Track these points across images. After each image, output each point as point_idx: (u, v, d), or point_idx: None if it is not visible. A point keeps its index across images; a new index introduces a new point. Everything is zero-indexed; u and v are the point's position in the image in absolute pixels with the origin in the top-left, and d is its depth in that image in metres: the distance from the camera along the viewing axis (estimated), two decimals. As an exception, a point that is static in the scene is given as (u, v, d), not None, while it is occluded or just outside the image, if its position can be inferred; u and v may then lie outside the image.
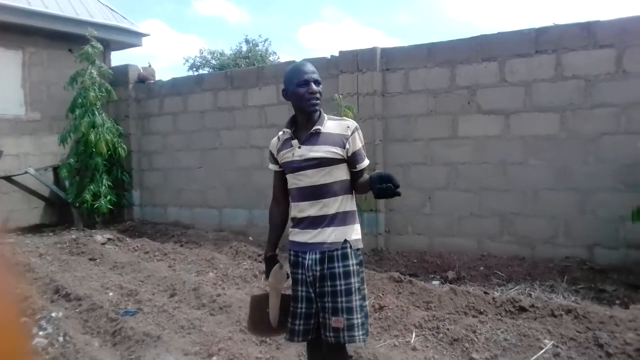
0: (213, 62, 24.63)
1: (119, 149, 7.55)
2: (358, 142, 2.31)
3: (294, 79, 2.25)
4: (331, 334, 2.21)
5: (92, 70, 7.47)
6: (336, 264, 2.22)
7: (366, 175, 2.31)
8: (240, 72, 7.65)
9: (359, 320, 2.22)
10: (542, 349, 3.27)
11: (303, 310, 2.27)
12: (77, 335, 3.63)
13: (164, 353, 3.26)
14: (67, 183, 7.84)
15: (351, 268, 2.23)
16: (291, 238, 2.36)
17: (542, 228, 5.19)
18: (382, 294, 4.21)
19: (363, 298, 2.28)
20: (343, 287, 2.21)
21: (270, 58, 24.76)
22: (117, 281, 4.90)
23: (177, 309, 4.13)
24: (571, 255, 5.01)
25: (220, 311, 4.06)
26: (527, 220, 5.25)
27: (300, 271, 2.28)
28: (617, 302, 4.01)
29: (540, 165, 5.20)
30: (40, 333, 3.63)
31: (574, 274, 4.65)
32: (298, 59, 6.74)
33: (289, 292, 2.41)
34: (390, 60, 5.97)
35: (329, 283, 2.21)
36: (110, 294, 4.56)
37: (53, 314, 3.89)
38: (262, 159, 6.94)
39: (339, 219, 2.26)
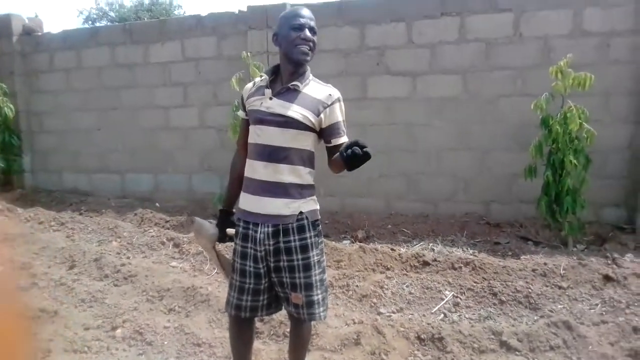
0: (112, 14, 22.84)
1: (5, 108, 6.78)
2: (337, 115, 2.10)
3: (289, 22, 2.04)
4: (292, 309, 2.12)
5: (-35, 19, 6.58)
6: (292, 237, 2.05)
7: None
8: (140, 25, 7.11)
9: (320, 296, 2.11)
10: (443, 299, 3.47)
11: (251, 286, 2.09)
12: (-40, 315, 3.29)
13: (62, 329, 3.06)
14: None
15: (308, 241, 2.07)
16: (241, 205, 2.15)
17: (444, 187, 5.44)
18: (294, 256, 4.22)
19: (323, 271, 2.15)
20: (301, 262, 2.06)
21: (176, 12, 23.42)
22: (7, 254, 4.47)
23: (76, 281, 3.87)
24: (470, 211, 5.32)
25: (125, 281, 3.87)
26: (431, 179, 5.48)
27: (249, 245, 2.08)
28: (510, 253, 4.33)
29: (443, 127, 5.40)
30: None
31: (473, 229, 4.96)
32: (204, 13, 6.37)
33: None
34: (300, 18, 5.82)
35: (284, 257, 2.05)
36: (0, 268, 4.17)
37: None
38: (167, 119, 6.59)
39: (294, 190, 2.06)
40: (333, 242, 4.56)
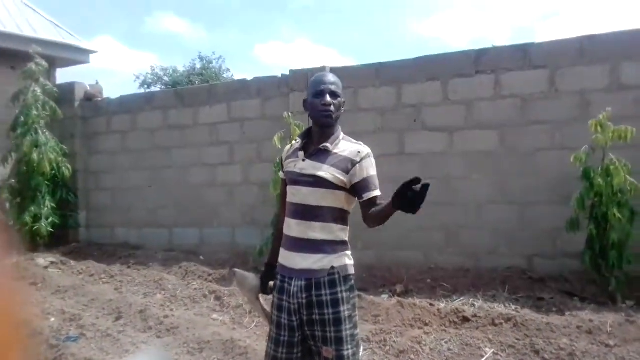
0: (165, 79, 24.36)
1: (63, 168, 7.32)
2: (367, 170, 2.16)
3: (312, 89, 2.20)
4: None
5: (36, 88, 7.25)
6: (323, 292, 2.09)
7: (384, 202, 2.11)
8: (190, 90, 7.63)
9: (350, 351, 2.11)
10: (483, 357, 3.39)
11: (285, 339, 2.16)
12: (15, 363, 3.48)
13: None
14: (7, 205, 7.52)
15: (339, 295, 2.10)
16: (279, 260, 2.27)
17: (485, 240, 5.38)
18: (332, 310, 4.24)
19: (354, 326, 2.16)
20: (332, 316, 2.09)
21: (225, 75, 24.71)
22: (59, 306, 4.73)
23: (122, 332, 4.03)
24: (512, 265, 5.21)
25: (168, 333, 4.00)
26: (471, 232, 5.45)
27: (285, 298, 2.16)
28: (554, 309, 4.20)
29: (482, 180, 5.42)
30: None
31: (515, 283, 4.84)
32: (250, 77, 6.79)
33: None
34: (339, 79, 6.09)
35: (316, 311, 2.09)
36: (52, 319, 4.40)
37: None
38: (213, 177, 6.91)
39: (326, 246, 2.13)
40: (371, 297, 4.56)
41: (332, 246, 2.14)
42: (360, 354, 2.22)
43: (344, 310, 2.10)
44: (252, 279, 2.38)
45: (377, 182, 2.19)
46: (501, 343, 3.51)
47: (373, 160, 2.21)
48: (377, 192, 2.17)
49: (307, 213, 2.14)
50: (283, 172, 2.32)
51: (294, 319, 2.14)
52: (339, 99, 2.19)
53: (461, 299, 4.59)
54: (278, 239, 2.34)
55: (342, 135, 2.24)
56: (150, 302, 4.70)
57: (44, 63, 7.38)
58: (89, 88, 8.05)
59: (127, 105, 7.62)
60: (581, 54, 5.05)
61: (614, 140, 4.29)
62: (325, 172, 2.12)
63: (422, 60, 5.73)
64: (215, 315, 4.40)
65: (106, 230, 7.82)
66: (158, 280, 5.37)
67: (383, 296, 4.82)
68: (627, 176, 4.21)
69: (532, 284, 4.81)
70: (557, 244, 5.04)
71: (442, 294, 4.77)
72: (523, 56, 5.26)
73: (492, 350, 3.45)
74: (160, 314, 4.30)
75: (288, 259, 2.19)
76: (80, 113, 7.95)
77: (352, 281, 2.18)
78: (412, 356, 3.48)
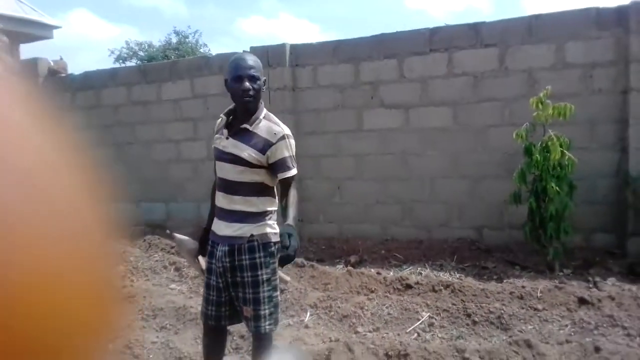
0: (141, 53, 23.96)
1: (29, 144, 7.31)
2: (283, 151, 2.29)
3: (231, 73, 2.27)
4: (248, 323, 2.37)
5: (-3, 63, 7.18)
6: (243, 257, 2.29)
7: (292, 199, 2.30)
8: (153, 66, 7.64)
9: (267, 311, 2.32)
10: (419, 320, 3.63)
11: (214, 298, 2.40)
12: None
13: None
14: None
15: (257, 260, 2.30)
16: (212, 227, 2.47)
17: (438, 213, 5.62)
18: (285, 279, 4.44)
19: (273, 289, 2.36)
20: (250, 279, 2.29)
21: (202, 50, 24.42)
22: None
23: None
24: (463, 236, 5.47)
25: (124, 301, 4.15)
26: (425, 206, 5.67)
27: (213, 261, 2.39)
28: (495, 277, 4.46)
29: (436, 155, 5.62)
30: None
31: (463, 254, 5.10)
32: (228, 51, 6.81)
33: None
34: (299, 56, 6.20)
35: (238, 274, 2.31)
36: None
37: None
38: (178, 152, 7.00)
39: (248, 217, 2.31)
40: (323, 266, 4.77)
41: (253, 217, 2.32)
42: (279, 314, 2.43)
43: (262, 274, 2.31)
44: (190, 242, 2.60)
45: (291, 162, 2.33)
46: (437, 307, 3.75)
47: (290, 142, 2.33)
48: (290, 173, 2.33)
49: (229, 187, 2.33)
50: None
51: (220, 280, 2.37)
52: (258, 82, 2.27)
53: (410, 268, 4.83)
54: (213, 207, 2.51)
55: (263, 114, 2.34)
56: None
57: (4, 38, 7.28)
58: (52, 64, 7.99)
59: (91, 81, 7.60)
60: (529, 33, 5.22)
61: (554, 117, 4.49)
62: (244, 151, 2.28)
63: (379, 38, 5.84)
64: (173, 285, 4.57)
65: (73, 206, 7.86)
66: (121, 253, 5.49)
67: (338, 266, 5.03)
68: (566, 151, 4.42)
69: (479, 254, 5.07)
70: (504, 217, 5.29)
71: (394, 263, 5.00)
72: (475, 35, 5.41)
73: (428, 314, 3.69)
74: (118, 284, 4.44)
75: (216, 226, 2.40)
76: (44, 89, 7.91)
77: (273, 248, 2.34)
78: (354, 320, 3.70)
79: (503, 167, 5.30)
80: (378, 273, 4.45)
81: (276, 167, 2.30)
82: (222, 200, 2.36)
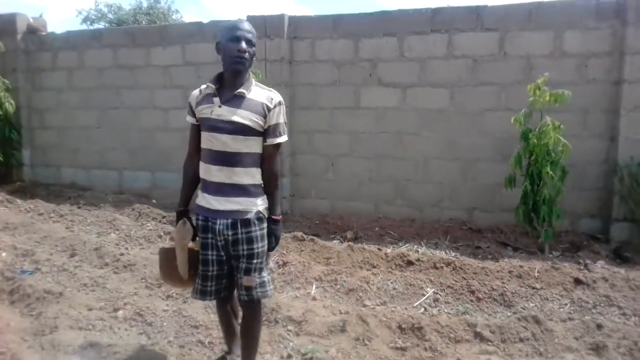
0: (110, 16, 23.03)
1: (6, 103, 6.96)
2: (279, 117, 2.30)
3: (228, 33, 2.20)
4: (244, 292, 2.35)
5: (-27, 16, 6.78)
6: (253, 228, 2.30)
7: (277, 181, 2.36)
8: (143, 29, 7.36)
9: (269, 277, 2.42)
10: (424, 295, 3.72)
11: (215, 272, 2.37)
12: (-30, 295, 3.48)
13: (66, 308, 3.26)
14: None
15: (260, 232, 2.33)
16: (199, 202, 2.37)
17: (430, 193, 5.72)
18: (286, 252, 4.45)
19: (268, 258, 2.47)
20: (260, 250, 2.33)
21: (174, 17, 23.68)
22: (9, 242, 4.65)
23: (78, 267, 4.07)
24: (454, 217, 5.60)
25: (125, 269, 4.08)
26: (418, 185, 5.76)
27: (210, 236, 2.32)
28: (489, 257, 4.61)
29: (431, 136, 5.69)
30: None
31: (456, 234, 5.23)
32: (205, 20, 6.64)
33: (195, 247, 2.45)
34: (297, 29, 6.11)
35: (245, 247, 2.29)
36: (3, 254, 4.35)
37: (-61, 274, 3.68)
38: (166, 120, 6.82)
39: (250, 190, 2.30)
40: (323, 241, 4.80)
41: (255, 188, 2.33)
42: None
43: (264, 245, 2.38)
44: (192, 229, 2.41)
45: (283, 129, 2.35)
46: (441, 284, 3.85)
47: (284, 108, 2.36)
48: (282, 139, 2.34)
49: (227, 159, 2.25)
50: (195, 117, 2.35)
51: (222, 253, 2.36)
52: (253, 48, 2.25)
53: (406, 245, 4.92)
54: (190, 186, 2.46)
55: (253, 82, 2.33)
56: (104, 241, 4.73)
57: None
58: (31, 20, 7.59)
59: (74, 41, 7.26)
60: (529, 20, 5.31)
61: (550, 104, 4.61)
62: (244, 118, 2.22)
63: (379, 15, 5.82)
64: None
65: (52, 170, 7.58)
66: (111, 221, 5.36)
67: (334, 242, 5.07)
68: (560, 137, 4.56)
69: (471, 234, 5.21)
70: (496, 199, 5.45)
71: (389, 241, 5.08)
72: (476, 18, 5.46)
73: (433, 290, 3.79)
74: (116, 252, 4.35)
75: (212, 202, 2.31)
76: (23, 46, 7.50)
77: (266, 221, 2.41)
78: (361, 294, 3.76)
79: (497, 151, 5.43)
80: (379, 249, 4.52)
81: (269, 131, 2.29)
82: (218, 174, 2.27)
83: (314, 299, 3.69)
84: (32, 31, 7.52)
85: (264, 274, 2.39)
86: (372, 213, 5.89)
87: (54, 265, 4.09)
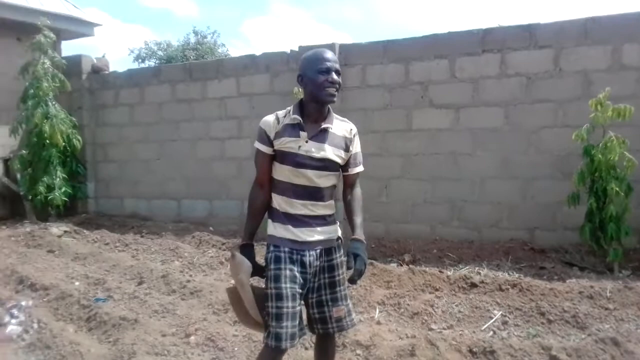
0: (160, 53, 24.17)
1: (74, 140, 7.42)
2: (357, 146, 2.31)
3: (315, 65, 2.13)
4: (334, 324, 2.27)
5: (45, 60, 7.30)
6: (334, 256, 2.27)
7: (360, 204, 2.33)
8: (199, 64, 7.71)
9: (351, 305, 2.38)
10: (492, 318, 3.64)
11: (295, 309, 2.13)
12: (51, 322, 3.68)
13: (142, 334, 3.38)
14: (18, 175, 7.62)
15: (341, 259, 2.31)
16: (280, 234, 2.21)
17: (488, 213, 5.63)
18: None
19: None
20: (341, 277, 2.28)
21: (219, 50, 24.57)
22: (81, 271, 4.91)
23: (148, 294, 4.23)
24: (514, 237, 5.47)
25: (192, 296, 4.20)
26: (475, 206, 5.68)
27: (296, 268, 2.16)
28: (555, 277, 4.46)
29: (486, 156, 5.63)
30: (13, 321, 3.65)
31: (517, 254, 5.10)
32: (257, 52, 6.90)
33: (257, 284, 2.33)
34: (348, 56, 6.24)
35: (327, 275, 2.25)
36: (77, 283, 4.58)
37: (23, 303, 3.90)
38: (222, 150, 7.06)
39: (329, 220, 2.28)
40: (382, 264, 4.79)
41: (332, 218, 2.32)
42: None
43: (344, 271, 2.31)
44: (247, 261, 2.22)
45: (361, 157, 2.36)
46: (508, 306, 3.76)
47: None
48: (362, 168, 2.36)
49: (312, 194, 2.22)
50: (270, 147, 2.20)
51: (306, 287, 2.22)
52: (340, 77, 2.20)
53: (467, 267, 4.84)
54: (257, 218, 2.28)
55: (332, 112, 2.28)
56: (169, 268, 4.89)
57: (51, 35, 7.40)
58: (95, 61, 8.09)
59: (135, 78, 7.69)
60: (585, 35, 5.23)
61: (613, 119, 4.50)
62: (331, 154, 2.19)
63: (430, 38, 5.87)
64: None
65: (114, 202, 7.96)
66: (174, 249, 5.56)
67: (392, 265, 5.06)
68: (625, 152, 4.43)
69: (533, 255, 5.07)
70: (557, 218, 5.29)
71: (449, 263, 5.01)
72: (529, 36, 5.42)
73: (500, 312, 3.70)
74: (182, 279, 4.50)
75: (297, 233, 2.20)
76: (88, 85, 8.01)
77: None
78: (426, 317, 3.72)
79: (556, 168, 5.31)
80: (440, 271, 4.47)
81: (350, 161, 2.29)
82: (303, 208, 2.21)
83: (378, 322, 3.68)
84: (96, 71, 8.01)
85: (349, 301, 2.35)
86: (428, 235, 5.84)
87: (125, 292, 4.26)
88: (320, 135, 2.18)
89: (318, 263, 2.23)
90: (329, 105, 2.23)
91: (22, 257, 5.52)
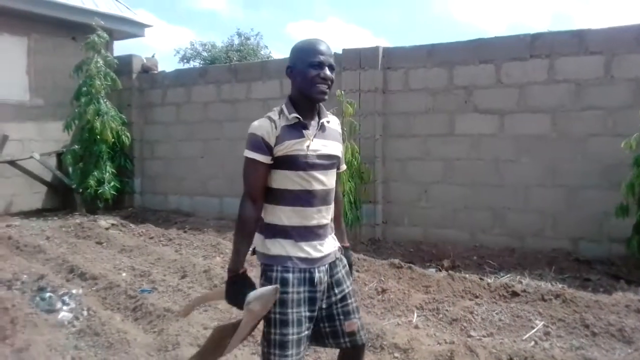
0: (204, 54, 24.69)
1: (123, 136, 7.72)
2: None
3: (307, 57, 1.90)
4: (347, 339, 2.04)
5: (98, 59, 7.62)
6: (339, 269, 2.06)
7: (341, 206, 2.26)
8: (244, 65, 7.90)
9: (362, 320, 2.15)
10: (533, 328, 3.58)
11: (303, 334, 1.90)
12: (100, 310, 3.84)
13: (186, 326, 3.49)
14: (70, 169, 7.98)
15: (347, 269, 2.12)
16: (289, 253, 1.92)
17: (531, 222, 5.52)
18: (384, 279, 4.49)
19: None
20: (350, 289, 2.08)
21: (262, 52, 24.91)
22: (128, 263, 5.10)
23: (191, 288, 4.36)
24: (558, 247, 5.35)
25: (233, 291, 4.29)
26: (518, 214, 5.58)
27: (307, 289, 1.92)
28: (601, 289, 4.34)
29: (531, 163, 5.53)
30: (64, 308, 3.83)
31: (561, 265, 4.99)
32: (283, 56, 6.99)
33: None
34: (391, 59, 6.24)
35: (336, 290, 2.02)
36: (124, 274, 4.77)
37: (74, 291, 4.09)
38: (263, 150, 7.17)
39: (332, 225, 2.09)
40: (420, 269, 4.77)
41: (333, 224, 2.11)
42: None
43: (352, 281, 2.17)
44: (267, 292, 1.90)
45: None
46: (551, 316, 3.69)
47: None
48: (344, 166, 2.27)
49: (324, 198, 1.98)
50: (269, 156, 1.92)
51: (315, 307, 1.97)
52: (333, 73, 1.96)
53: (508, 276, 4.77)
54: (249, 239, 1.99)
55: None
56: (211, 264, 5.02)
57: (105, 35, 7.71)
58: (145, 61, 8.38)
59: (182, 78, 7.92)
60: (637, 42, 5.06)
61: (666, 128, 4.35)
62: (337, 149, 2.03)
63: (475, 42, 5.81)
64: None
65: (159, 197, 8.22)
66: (215, 245, 5.70)
67: (431, 270, 5.03)
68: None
69: (578, 266, 4.95)
70: (604, 228, 5.14)
71: (489, 270, 4.95)
72: (579, 42, 5.30)
73: (543, 322, 3.64)
74: (223, 274, 4.60)
75: (309, 250, 1.94)
76: (137, 84, 8.31)
77: None
78: (465, 324, 3.69)
79: (604, 178, 5.16)
80: (480, 279, 4.43)
81: (340, 158, 2.14)
82: (317, 216, 1.96)
83: (416, 327, 3.68)
84: (145, 70, 8.30)
85: (361, 314, 2.17)
86: (468, 241, 5.77)
87: (169, 285, 4.40)
88: (322, 131, 1.98)
89: (327, 278, 1.99)
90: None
91: (72, 247, 5.78)
